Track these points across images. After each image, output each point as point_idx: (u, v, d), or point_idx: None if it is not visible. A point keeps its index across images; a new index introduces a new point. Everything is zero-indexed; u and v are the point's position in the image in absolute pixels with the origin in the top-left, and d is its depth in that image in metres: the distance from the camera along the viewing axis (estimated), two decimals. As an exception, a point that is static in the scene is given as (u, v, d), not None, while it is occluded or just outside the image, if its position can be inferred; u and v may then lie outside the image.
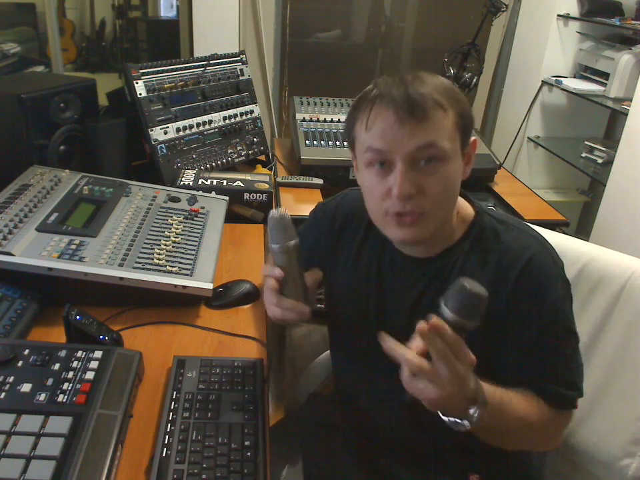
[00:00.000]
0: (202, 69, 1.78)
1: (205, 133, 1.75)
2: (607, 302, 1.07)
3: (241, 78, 1.90)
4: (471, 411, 0.73)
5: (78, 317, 0.92)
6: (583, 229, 2.96)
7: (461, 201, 0.92)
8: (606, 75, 2.57)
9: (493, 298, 0.85)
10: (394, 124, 0.79)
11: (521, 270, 0.84)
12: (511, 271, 0.85)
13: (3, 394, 0.79)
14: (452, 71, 2.64)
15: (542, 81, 2.79)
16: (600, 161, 2.66)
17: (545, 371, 0.87)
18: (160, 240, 1.22)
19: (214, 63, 1.82)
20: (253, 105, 1.93)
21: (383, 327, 0.95)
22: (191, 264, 1.17)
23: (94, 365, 0.86)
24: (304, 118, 2.01)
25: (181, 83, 1.71)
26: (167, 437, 0.81)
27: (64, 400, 0.80)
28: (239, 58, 1.91)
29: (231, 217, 1.49)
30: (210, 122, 1.76)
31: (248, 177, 1.62)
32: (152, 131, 1.60)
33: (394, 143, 0.80)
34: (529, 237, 0.89)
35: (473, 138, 0.88)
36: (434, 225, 0.85)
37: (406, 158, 0.80)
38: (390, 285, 0.95)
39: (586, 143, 2.75)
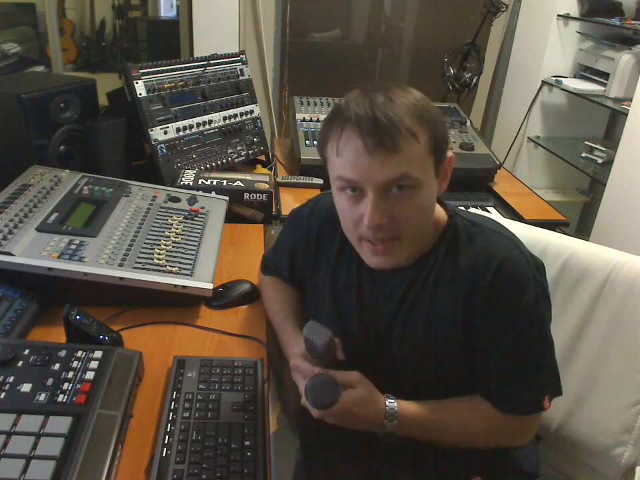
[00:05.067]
0: (202, 69, 1.77)
1: (205, 133, 1.75)
2: (591, 294, 1.08)
3: (240, 78, 1.90)
4: (386, 424, 0.85)
5: (78, 317, 0.92)
6: (582, 229, 2.96)
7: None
8: (606, 75, 2.57)
9: (470, 302, 0.86)
10: (363, 154, 0.77)
11: (495, 271, 0.84)
12: (485, 273, 0.85)
13: (3, 394, 0.79)
14: (452, 71, 2.64)
15: (542, 81, 2.79)
16: (600, 161, 2.66)
17: (511, 376, 0.87)
18: (160, 240, 1.22)
19: (214, 63, 1.82)
20: (253, 105, 1.93)
21: (364, 336, 0.96)
22: (190, 264, 1.17)
23: (94, 365, 0.86)
24: (304, 118, 2.01)
25: (180, 83, 1.70)
26: (167, 436, 0.81)
27: (64, 400, 0.80)
28: (238, 58, 1.91)
29: (231, 217, 1.49)
30: (210, 122, 1.76)
31: (248, 177, 1.62)
32: (152, 131, 1.60)
33: (364, 174, 0.78)
34: (501, 237, 0.89)
35: (449, 154, 0.86)
36: (408, 249, 0.86)
37: (376, 188, 0.79)
38: (369, 295, 0.95)
39: (586, 143, 2.75)
